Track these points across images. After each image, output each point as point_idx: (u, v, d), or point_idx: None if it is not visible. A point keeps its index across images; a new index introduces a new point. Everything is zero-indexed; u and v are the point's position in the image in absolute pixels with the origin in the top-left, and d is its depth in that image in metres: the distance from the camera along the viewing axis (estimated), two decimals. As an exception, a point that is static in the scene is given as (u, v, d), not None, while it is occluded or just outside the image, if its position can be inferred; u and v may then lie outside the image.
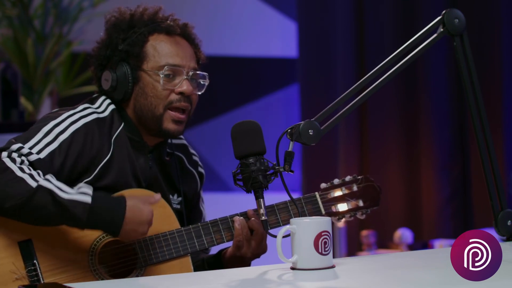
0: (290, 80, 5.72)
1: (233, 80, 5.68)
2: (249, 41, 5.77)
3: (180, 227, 2.51)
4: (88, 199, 2.33)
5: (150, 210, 2.39)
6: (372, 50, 5.34)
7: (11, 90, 4.83)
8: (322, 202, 2.57)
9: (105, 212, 2.34)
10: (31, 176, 2.32)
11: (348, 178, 2.60)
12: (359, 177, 2.60)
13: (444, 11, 2.36)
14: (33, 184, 2.30)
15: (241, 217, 2.52)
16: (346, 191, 2.59)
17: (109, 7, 5.17)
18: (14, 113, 4.80)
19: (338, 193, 2.58)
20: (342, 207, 2.58)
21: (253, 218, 2.51)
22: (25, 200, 2.30)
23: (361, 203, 2.59)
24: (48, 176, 2.34)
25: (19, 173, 2.31)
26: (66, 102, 5.43)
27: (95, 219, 2.32)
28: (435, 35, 2.37)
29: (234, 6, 5.78)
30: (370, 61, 5.31)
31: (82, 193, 2.34)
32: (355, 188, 2.59)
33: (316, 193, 2.58)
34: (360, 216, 2.60)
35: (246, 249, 2.51)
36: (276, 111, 5.73)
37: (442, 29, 2.36)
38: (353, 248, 5.22)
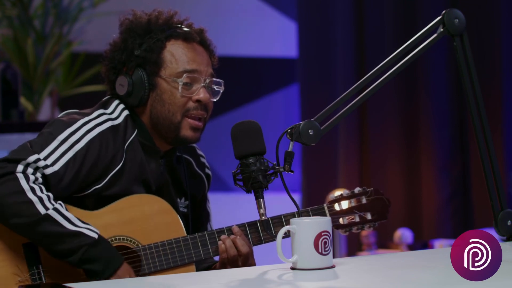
0: (290, 80, 5.72)
1: (233, 80, 5.67)
2: (249, 41, 5.77)
3: (186, 235, 2.50)
4: (94, 235, 2.34)
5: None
6: (372, 50, 5.34)
7: (11, 90, 4.82)
8: (330, 214, 2.54)
9: (103, 254, 2.33)
10: (41, 200, 2.31)
11: (357, 190, 2.57)
12: (369, 189, 2.57)
13: (444, 11, 2.36)
14: (42, 211, 2.30)
15: (228, 237, 2.48)
16: (355, 204, 2.55)
17: (109, 7, 5.19)
18: (14, 113, 4.80)
19: (346, 205, 2.55)
20: (350, 219, 2.55)
21: (238, 237, 2.47)
22: (30, 223, 2.30)
23: (369, 216, 2.55)
24: (58, 205, 2.33)
25: (30, 194, 2.30)
26: (66, 102, 5.43)
27: (91, 255, 2.32)
28: (435, 35, 2.37)
29: (234, 6, 5.78)
30: (370, 61, 5.31)
31: (90, 229, 2.34)
32: (364, 200, 2.56)
33: (325, 205, 2.55)
34: (367, 228, 2.56)
35: (232, 268, 2.48)
36: (276, 111, 5.73)
37: (442, 29, 2.36)
38: (353, 248, 5.22)
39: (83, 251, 2.32)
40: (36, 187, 2.32)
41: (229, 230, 2.50)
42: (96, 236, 2.34)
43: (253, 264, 2.51)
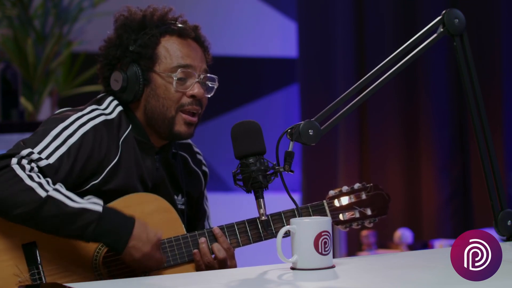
0: (290, 80, 5.72)
1: (233, 80, 5.68)
2: (249, 41, 5.77)
3: (185, 233, 2.50)
4: (99, 208, 2.32)
5: (156, 233, 2.38)
6: (372, 50, 5.34)
7: (11, 90, 4.82)
8: (330, 210, 2.54)
9: (113, 224, 2.33)
10: (41, 185, 2.30)
11: (357, 185, 2.57)
12: (368, 185, 2.56)
13: (444, 11, 2.36)
14: (43, 194, 2.29)
15: (205, 242, 2.48)
16: (354, 199, 2.55)
17: (109, 7, 5.18)
18: (14, 113, 4.80)
19: (346, 201, 2.55)
20: (350, 215, 2.55)
21: (216, 243, 2.47)
22: (33, 209, 2.29)
23: (369, 212, 2.55)
24: (58, 186, 2.33)
25: (28, 181, 2.30)
26: (66, 102, 5.43)
27: (102, 229, 2.31)
28: (435, 35, 2.37)
29: (234, 6, 5.78)
30: (370, 61, 5.31)
31: (93, 202, 2.33)
32: (363, 196, 2.56)
33: (324, 201, 2.55)
34: (368, 224, 2.56)
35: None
36: (276, 111, 5.73)
37: (442, 29, 2.36)
38: (353, 248, 5.22)
39: (93, 227, 2.30)
40: (34, 175, 2.32)
41: (229, 228, 2.50)
42: (100, 209, 2.32)
43: (234, 266, 2.51)
